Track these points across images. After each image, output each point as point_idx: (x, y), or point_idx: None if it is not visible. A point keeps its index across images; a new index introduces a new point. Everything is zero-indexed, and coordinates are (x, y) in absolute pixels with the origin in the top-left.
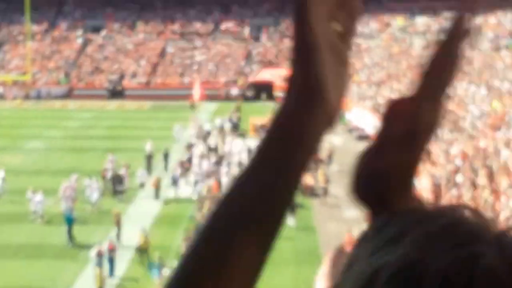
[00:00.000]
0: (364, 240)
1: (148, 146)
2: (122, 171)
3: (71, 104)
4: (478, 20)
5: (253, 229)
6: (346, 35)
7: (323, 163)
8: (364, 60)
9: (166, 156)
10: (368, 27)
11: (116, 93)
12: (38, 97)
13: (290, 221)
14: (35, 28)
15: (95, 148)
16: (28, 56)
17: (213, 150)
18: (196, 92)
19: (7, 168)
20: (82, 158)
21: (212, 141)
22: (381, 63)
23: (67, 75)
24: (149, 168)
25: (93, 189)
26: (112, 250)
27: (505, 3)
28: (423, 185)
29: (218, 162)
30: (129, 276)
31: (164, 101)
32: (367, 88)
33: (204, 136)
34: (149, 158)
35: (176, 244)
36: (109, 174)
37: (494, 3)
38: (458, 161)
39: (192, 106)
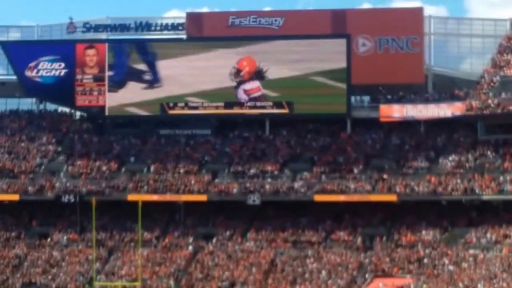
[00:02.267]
0: None
1: None
2: None
3: None
4: None
5: None
6: None
7: None
8: (482, 272)
9: None
10: (485, 238)
11: None
12: None
13: None
14: (147, 235)
15: None
16: (139, 263)
17: None
18: None
19: None
20: None
21: None
22: (499, 275)
23: (177, 281)
24: None
25: None
26: None
27: None
28: None
29: None
30: None
31: None
32: None
33: None
34: None
35: None
36: None
37: None
38: None
39: None
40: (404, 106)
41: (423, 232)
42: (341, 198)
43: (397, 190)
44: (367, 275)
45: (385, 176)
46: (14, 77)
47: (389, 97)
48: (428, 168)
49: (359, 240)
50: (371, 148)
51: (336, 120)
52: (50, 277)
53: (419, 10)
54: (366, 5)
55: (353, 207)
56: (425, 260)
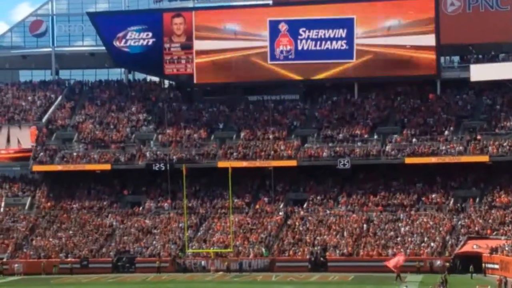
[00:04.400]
0: None
1: None
2: None
3: (273, 276)
4: None
5: None
6: None
7: None
8: None
9: None
10: None
11: (318, 264)
12: (240, 269)
13: None
14: (238, 201)
15: None
16: (231, 230)
17: None
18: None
19: None
20: None
21: None
22: None
23: (269, 247)
24: None
25: None
26: None
27: None
28: None
29: None
30: None
31: (368, 273)
32: None
33: None
34: None
35: None
36: None
37: None
38: None
39: (398, 277)
40: (495, 66)
41: None
42: (433, 160)
43: (490, 150)
44: (460, 237)
45: (479, 137)
46: (103, 47)
47: (479, 56)
48: None
49: (451, 202)
50: (462, 109)
51: (426, 82)
52: (143, 245)
53: None
54: None
55: (444, 169)
56: None
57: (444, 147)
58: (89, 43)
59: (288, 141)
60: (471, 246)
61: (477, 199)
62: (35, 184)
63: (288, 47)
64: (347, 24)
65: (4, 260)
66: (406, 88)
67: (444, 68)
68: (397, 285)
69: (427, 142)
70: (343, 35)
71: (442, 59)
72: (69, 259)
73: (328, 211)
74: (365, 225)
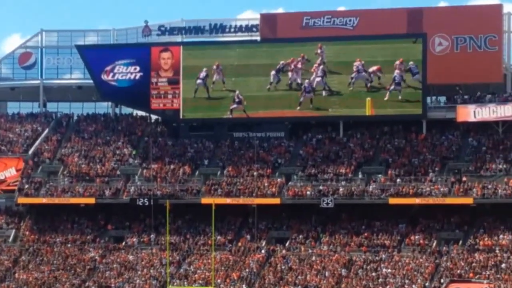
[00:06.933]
0: None
1: None
2: None
3: None
4: None
5: None
6: None
7: None
8: None
9: None
10: None
11: None
12: None
13: None
14: (220, 238)
15: None
16: (213, 267)
17: None
18: None
19: None
20: None
21: None
22: None
23: (250, 285)
24: None
25: None
26: None
27: None
28: None
29: None
30: None
31: None
32: None
33: None
34: None
35: None
36: None
37: None
38: None
39: None
40: (481, 107)
41: (501, 236)
42: (417, 201)
43: (474, 193)
44: (442, 280)
45: (464, 178)
46: (91, 81)
47: (466, 97)
48: (506, 170)
49: (434, 244)
50: (447, 150)
51: (411, 122)
52: (124, 280)
53: (498, 7)
54: (442, 3)
55: (428, 211)
56: (503, 265)
57: (428, 188)
58: (77, 76)
59: (272, 178)
60: None
61: (460, 242)
62: (20, 217)
63: None
64: None
65: None
66: (391, 128)
67: (430, 108)
68: None
69: (411, 182)
70: None
71: (428, 99)
72: None
73: (310, 250)
74: (346, 266)
